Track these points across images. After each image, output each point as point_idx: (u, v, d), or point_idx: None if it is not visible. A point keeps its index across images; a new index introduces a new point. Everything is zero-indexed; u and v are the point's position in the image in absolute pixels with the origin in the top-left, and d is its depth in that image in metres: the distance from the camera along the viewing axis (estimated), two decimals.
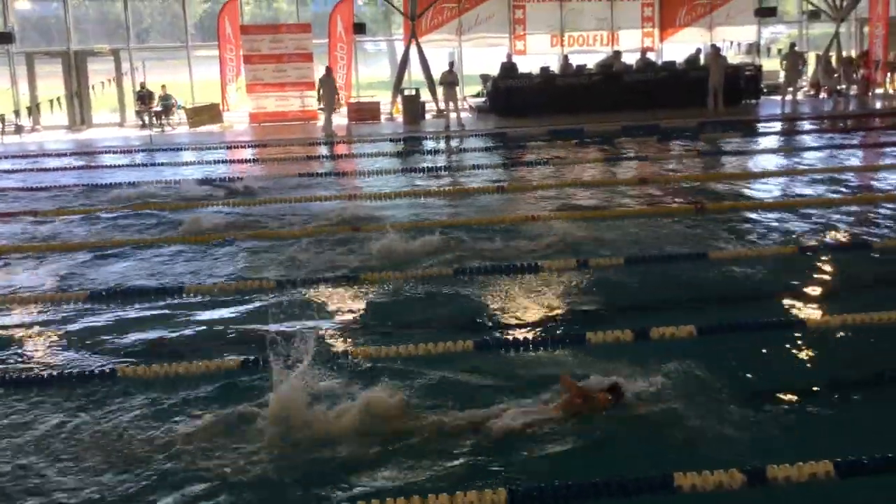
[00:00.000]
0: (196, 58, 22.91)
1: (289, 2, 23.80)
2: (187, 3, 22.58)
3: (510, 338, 5.71)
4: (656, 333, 5.56)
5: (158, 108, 21.21)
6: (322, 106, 18.78)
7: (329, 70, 19.36)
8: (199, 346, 5.75)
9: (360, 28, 21.54)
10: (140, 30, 23.95)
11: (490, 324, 6.14)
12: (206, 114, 20.66)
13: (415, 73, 21.80)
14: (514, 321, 6.17)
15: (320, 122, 19.37)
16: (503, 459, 4.02)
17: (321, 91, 18.64)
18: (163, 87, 21.52)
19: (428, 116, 20.74)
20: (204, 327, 6.15)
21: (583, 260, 7.45)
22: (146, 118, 21.05)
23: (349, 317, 6.36)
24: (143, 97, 21.08)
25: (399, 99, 20.92)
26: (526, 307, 6.47)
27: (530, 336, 5.75)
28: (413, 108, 20.13)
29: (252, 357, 5.22)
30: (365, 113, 20.79)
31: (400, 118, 20.63)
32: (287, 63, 20.74)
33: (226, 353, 5.51)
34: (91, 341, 5.88)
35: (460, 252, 7.98)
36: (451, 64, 19.55)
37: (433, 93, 21.08)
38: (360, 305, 6.61)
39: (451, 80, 18.97)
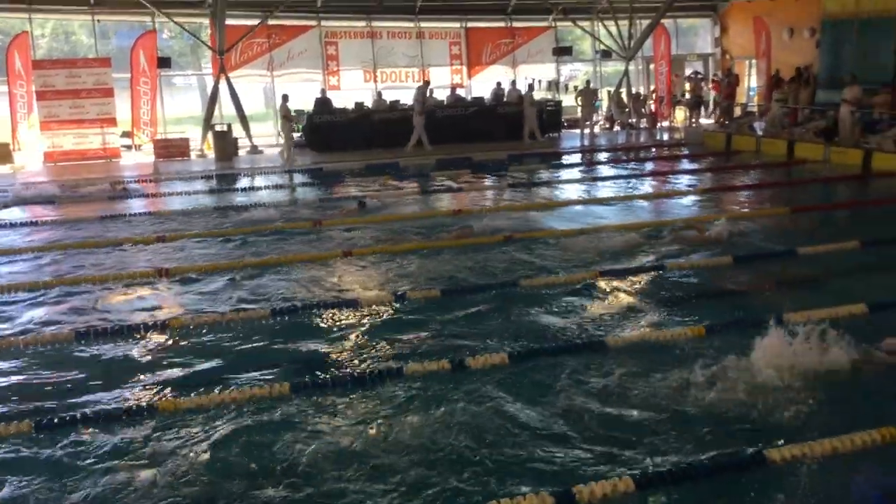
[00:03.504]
0: None
1: (88, 35, 22.50)
2: None
3: (327, 377, 5.63)
4: (472, 363, 5.69)
5: None
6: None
7: (285, 97, 19.07)
8: None
9: (164, 62, 20.73)
10: None
11: (308, 364, 6.03)
12: None
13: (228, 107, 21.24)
14: (332, 359, 6.09)
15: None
16: None
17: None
18: None
19: (241, 153, 20.23)
20: None
21: (401, 293, 7.52)
22: None
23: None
24: None
25: (210, 135, 20.27)
26: (345, 344, 6.42)
27: (349, 372, 5.71)
28: (224, 145, 19.57)
29: None
30: (173, 150, 19.95)
31: (211, 154, 19.98)
32: (86, 98, 19.52)
33: None
34: None
35: (274, 291, 7.84)
36: (285, 97, 19.29)
37: (246, 128, 20.64)
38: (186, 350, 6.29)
39: (284, 114, 18.79)
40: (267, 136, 22.64)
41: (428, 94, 21.22)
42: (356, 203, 12.30)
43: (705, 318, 6.60)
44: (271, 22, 21.69)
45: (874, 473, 4.27)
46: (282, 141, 19.31)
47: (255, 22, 21.14)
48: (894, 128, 15.77)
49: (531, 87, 21.86)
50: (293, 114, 19.56)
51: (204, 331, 6.72)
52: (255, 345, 6.41)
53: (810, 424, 4.72)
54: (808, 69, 20.14)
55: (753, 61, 24.00)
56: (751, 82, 24.21)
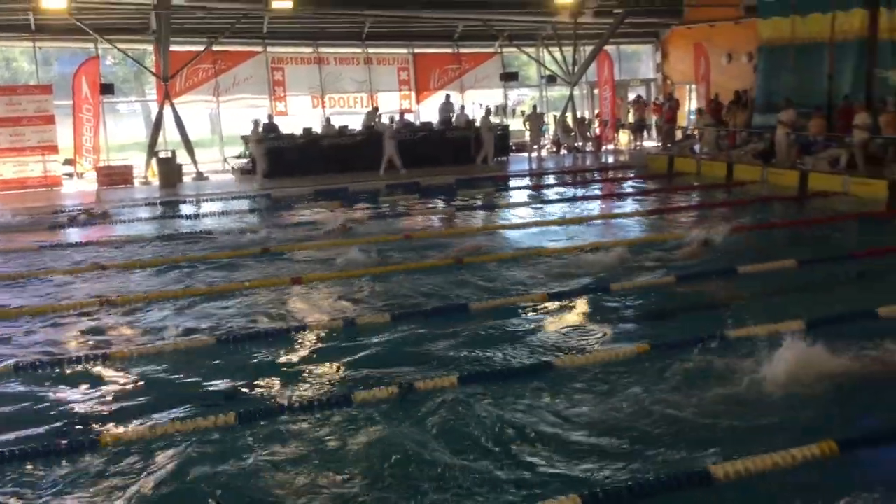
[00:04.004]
0: None
1: (29, 61, 22.06)
2: None
3: (274, 405, 5.57)
4: (422, 386, 5.69)
5: None
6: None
7: (256, 122, 19.13)
8: None
9: (107, 89, 20.42)
10: None
11: (255, 392, 5.96)
12: None
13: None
14: (279, 387, 6.04)
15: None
16: None
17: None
18: None
19: (186, 179, 19.98)
20: None
21: (350, 319, 7.49)
22: None
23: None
24: None
25: (154, 161, 19.99)
26: (293, 371, 6.37)
27: (295, 400, 5.66)
28: (169, 171, 19.32)
29: None
30: (116, 177, 19.58)
31: (156, 181, 19.69)
32: (26, 126, 19.13)
33: None
34: None
35: (220, 320, 7.75)
36: (256, 122, 19.23)
37: (191, 154, 20.42)
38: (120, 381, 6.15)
39: (258, 139, 18.78)
40: (212, 162, 22.42)
41: (377, 119, 21.31)
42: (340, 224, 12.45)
43: (651, 337, 6.72)
44: (217, 48, 21.56)
45: None
46: (228, 166, 19.16)
47: (201, 48, 21.00)
48: (829, 149, 16.32)
49: (489, 111, 22.11)
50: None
51: (147, 361, 6.60)
52: (200, 374, 6.31)
53: (756, 439, 4.82)
54: (745, 93, 20.76)
55: (693, 86, 24.66)
56: (691, 106, 24.83)
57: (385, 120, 20.74)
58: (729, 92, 21.36)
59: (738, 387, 5.59)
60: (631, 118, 25.37)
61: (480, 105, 24.01)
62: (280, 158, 19.46)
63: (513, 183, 18.54)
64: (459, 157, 20.66)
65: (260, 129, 19.20)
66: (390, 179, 18.28)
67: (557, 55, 24.34)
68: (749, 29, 20.77)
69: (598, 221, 13.13)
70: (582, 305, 7.98)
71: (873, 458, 4.63)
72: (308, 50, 23.30)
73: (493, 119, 22.07)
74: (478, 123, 21.46)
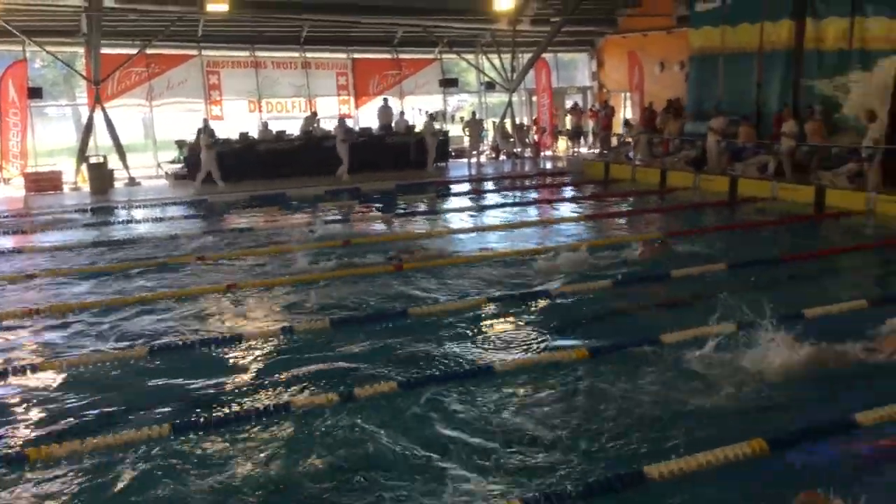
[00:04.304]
0: None
1: None
2: None
3: (210, 416, 5.47)
4: (361, 393, 5.66)
5: None
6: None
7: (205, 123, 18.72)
8: None
9: (35, 92, 19.80)
10: None
11: (190, 403, 5.84)
12: None
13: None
14: (216, 397, 5.93)
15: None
16: None
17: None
18: None
19: (118, 185, 19.48)
20: None
21: (288, 326, 7.40)
22: None
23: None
24: None
25: (84, 167, 19.44)
26: (229, 380, 6.26)
27: (233, 410, 5.57)
28: (100, 177, 18.80)
29: None
30: (44, 183, 19.00)
31: (86, 187, 19.15)
32: None
33: None
34: None
35: (153, 329, 7.58)
36: (205, 123, 18.90)
37: (123, 159, 19.94)
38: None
39: (207, 144, 18.46)
40: (146, 167, 21.93)
41: (315, 124, 21.15)
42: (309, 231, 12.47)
43: (589, 341, 6.82)
44: (150, 51, 21.11)
45: None
46: (161, 172, 18.75)
47: (134, 51, 20.54)
48: (758, 156, 16.84)
49: (433, 116, 22.14)
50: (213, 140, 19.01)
51: (78, 373, 6.41)
52: (132, 385, 6.16)
53: (690, 438, 4.93)
54: (678, 101, 21.27)
55: (628, 94, 25.15)
56: (626, 114, 25.32)
57: (320, 124, 20.62)
58: (662, 100, 21.86)
59: (674, 388, 5.71)
60: (568, 125, 25.73)
61: (420, 111, 24.07)
62: (216, 164, 19.11)
63: (454, 188, 18.62)
64: (399, 163, 20.65)
65: (208, 133, 18.78)
66: (336, 185, 18.14)
67: (496, 62, 24.55)
68: (681, 38, 21.28)
69: (538, 227, 13.26)
70: (521, 309, 8.03)
71: (802, 455, 4.77)
72: (244, 54, 23.00)
73: (436, 125, 22.13)
74: (419, 128, 21.51)
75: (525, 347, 6.89)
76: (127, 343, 7.14)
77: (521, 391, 5.84)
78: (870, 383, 5.81)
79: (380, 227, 13.71)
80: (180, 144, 21.23)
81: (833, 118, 16.18)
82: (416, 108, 24.37)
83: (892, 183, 13.95)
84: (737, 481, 4.49)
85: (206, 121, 19.26)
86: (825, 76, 16.57)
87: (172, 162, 21.74)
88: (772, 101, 17.88)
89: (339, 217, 14.52)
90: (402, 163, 20.73)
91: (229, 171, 18.98)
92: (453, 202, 16.56)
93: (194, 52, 22.27)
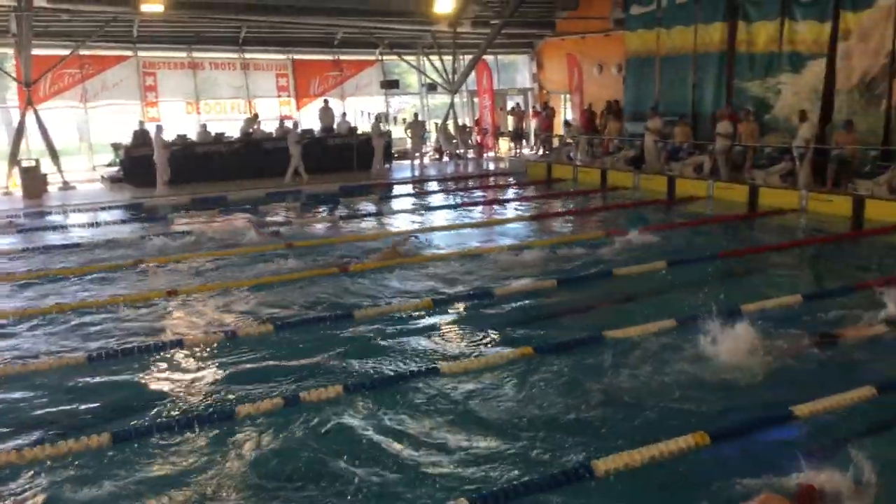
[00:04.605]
0: None
1: None
2: None
3: (152, 424, 5.35)
4: (307, 397, 5.61)
5: None
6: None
7: (160, 129, 18.25)
8: None
9: None
10: None
11: (131, 411, 5.70)
12: None
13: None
14: (158, 405, 5.80)
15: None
16: None
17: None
18: None
19: (52, 189, 18.91)
20: None
21: (231, 332, 7.29)
22: None
23: None
24: None
25: (16, 171, 18.81)
26: (171, 387, 6.13)
27: (175, 417, 5.46)
28: (33, 181, 18.23)
29: None
30: None
31: (18, 192, 18.53)
32: None
33: None
34: None
35: (92, 336, 7.39)
36: (160, 128, 18.43)
37: (56, 163, 19.36)
38: None
39: (163, 145, 18.07)
40: (80, 171, 21.34)
41: (256, 126, 20.87)
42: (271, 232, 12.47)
43: (533, 339, 6.89)
44: (84, 52, 20.56)
45: None
46: (97, 175, 18.24)
47: (67, 52, 19.96)
48: (693, 156, 17.23)
49: (379, 118, 22.06)
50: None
51: (14, 381, 6.20)
52: (72, 394, 5.99)
53: (635, 433, 5.02)
54: (616, 103, 21.63)
55: (568, 95, 25.47)
56: (566, 115, 25.63)
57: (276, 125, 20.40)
58: (602, 101, 22.21)
59: (617, 384, 5.81)
60: (510, 126, 25.92)
61: (364, 113, 23.95)
62: (151, 167, 18.71)
63: (397, 190, 18.60)
64: (342, 165, 20.51)
65: (163, 135, 18.33)
66: (280, 188, 17.94)
67: (438, 63, 24.59)
68: (618, 41, 21.65)
69: (484, 227, 13.33)
70: (466, 310, 8.07)
71: (742, 446, 4.90)
72: (182, 54, 22.57)
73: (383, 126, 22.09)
74: (363, 130, 21.43)
75: (471, 347, 6.92)
76: (64, 350, 6.94)
77: (467, 391, 5.86)
78: (807, 376, 6.00)
79: (324, 229, 13.59)
80: (116, 147, 20.69)
81: (764, 119, 16.67)
82: (362, 111, 24.25)
83: (823, 181, 14.46)
84: (681, 473, 4.59)
85: (159, 127, 18.74)
86: (757, 78, 17.06)
87: (108, 165, 21.19)
88: (707, 102, 18.34)
89: (281, 219, 14.35)
90: (346, 165, 20.59)
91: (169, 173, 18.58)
92: (398, 204, 16.52)
93: (130, 53, 21.77)
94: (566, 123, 23.13)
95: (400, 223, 14.02)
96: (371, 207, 15.78)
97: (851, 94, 15.15)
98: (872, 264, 10.17)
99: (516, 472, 4.64)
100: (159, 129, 18.38)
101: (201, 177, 18.87)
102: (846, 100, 15.24)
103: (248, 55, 23.33)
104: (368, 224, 14.02)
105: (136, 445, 5.02)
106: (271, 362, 6.60)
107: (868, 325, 6.93)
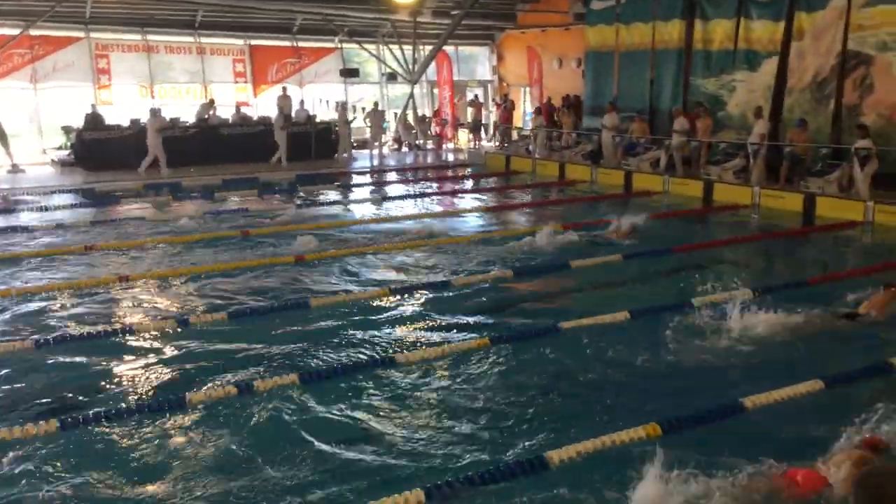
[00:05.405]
0: None
1: None
2: None
3: (101, 411, 5.24)
4: (261, 386, 5.55)
5: None
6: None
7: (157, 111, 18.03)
8: None
9: None
10: None
11: (80, 399, 5.58)
12: None
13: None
14: (108, 392, 5.69)
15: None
16: None
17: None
18: None
19: (0, 172, 18.39)
20: None
21: (183, 319, 7.18)
22: None
23: None
24: None
25: None
26: (123, 375, 6.02)
27: (126, 405, 5.36)
28: None
29: None
30: None
31: None
32: None
33: None
34: None
35: (40, 322, 7.21)
36: (157, 110, 18.12)
37: (5, 145, 18.83)
38: None
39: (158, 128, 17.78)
40: (30, 153, 20.77)
41: (212, 111, 20.55)
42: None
43: (490, 329, 6.91)
44: (34, 32, 19.99)
45: None
46: (47, 158, 17.79)
47: (16, 31, 19.40)
48: (650, 151, 17.44)
49: (344, 106, 21.89)
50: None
51: None
52: (17, 381, 5.84)
53: (587, 423, 5.07)
54: (576, 97, 21.77)
55: (528, 88, 25.57)
56: (526, 108, 25.73)
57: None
58: (561, 95, 22.33)
59: (571, 375, 5.86)
60: (469, 118, 25.93)
61: (321, 100, 23.73)
62: (103, 151, 18.33)
63: (356, 179, 18.48)
64: (300, 153, 20.27)
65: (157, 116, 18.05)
66: (235, 174, 17.71)
67: (398, 53, 24.47)
68: (578, 35, 21.78)
69: (442, 217, 13.32)
70: (423, 300, 8.06)
71: (693, 437, 4.98)
72: (136, 37, 22.10)
73: (334, 115, 21.92)
74: (321, 118, 21.27)
75: (427, 337, 6.92)
76: (12, 336, 6.76)
77: (423, 381, 5.86)
78: (757, 371, 6.11)
79: (282, 216, 13.42)
80: (67, 130, 20.20)
81: (718, 115, 16.94)
82: (320, 99, 24.02)
83: (776, 178, 14.75)
84: (633, 464, 4.65)
85: (153, 110, 18.30)
86: (712, 75, 17.33)
87: (59, 148, 20.68)
88: (664, 98, 18.56)
89: (236, 207, 14.16)
90: (303, 153, 20.35)
91: (119, 158, 18.20)
92: (357, 193, 16.41)
93: (81, 35, 21.24)
94: (536, 110, 22.86)
95: (356, 211, 13.94)
96: (328, 196, 15.66)
97: (803, 93, 15.47)
98: (823, 260, 10.42)
99: (470, 462, 4.64)
100: (154, 111, 17.97)
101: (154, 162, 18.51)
102: (797, 98, 15.56)
103: (204, 40, 22.95)
104: (325, 212, 13.88)
105: (84, 433, 4.91)
106: (225, 350, 6.51)
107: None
